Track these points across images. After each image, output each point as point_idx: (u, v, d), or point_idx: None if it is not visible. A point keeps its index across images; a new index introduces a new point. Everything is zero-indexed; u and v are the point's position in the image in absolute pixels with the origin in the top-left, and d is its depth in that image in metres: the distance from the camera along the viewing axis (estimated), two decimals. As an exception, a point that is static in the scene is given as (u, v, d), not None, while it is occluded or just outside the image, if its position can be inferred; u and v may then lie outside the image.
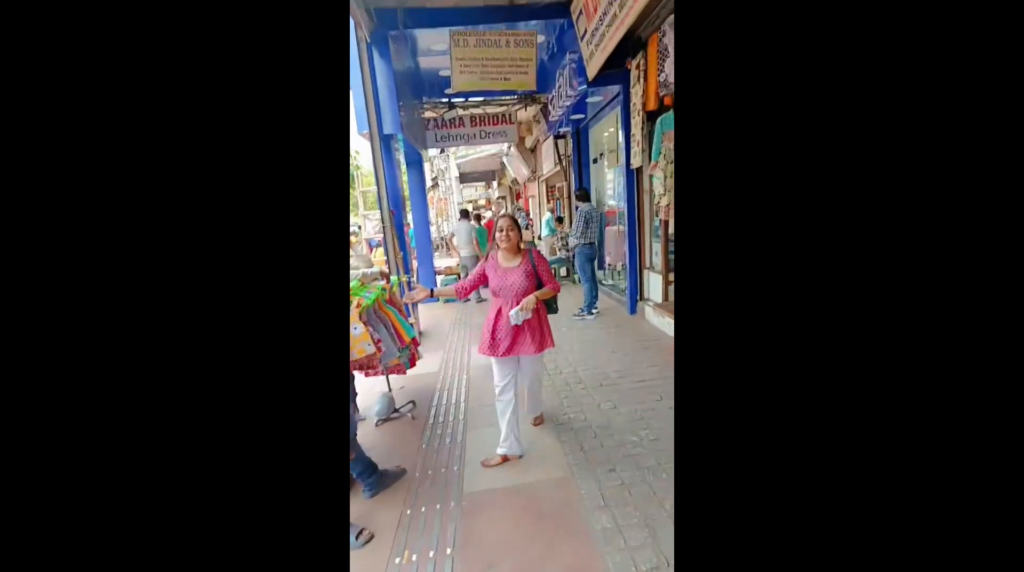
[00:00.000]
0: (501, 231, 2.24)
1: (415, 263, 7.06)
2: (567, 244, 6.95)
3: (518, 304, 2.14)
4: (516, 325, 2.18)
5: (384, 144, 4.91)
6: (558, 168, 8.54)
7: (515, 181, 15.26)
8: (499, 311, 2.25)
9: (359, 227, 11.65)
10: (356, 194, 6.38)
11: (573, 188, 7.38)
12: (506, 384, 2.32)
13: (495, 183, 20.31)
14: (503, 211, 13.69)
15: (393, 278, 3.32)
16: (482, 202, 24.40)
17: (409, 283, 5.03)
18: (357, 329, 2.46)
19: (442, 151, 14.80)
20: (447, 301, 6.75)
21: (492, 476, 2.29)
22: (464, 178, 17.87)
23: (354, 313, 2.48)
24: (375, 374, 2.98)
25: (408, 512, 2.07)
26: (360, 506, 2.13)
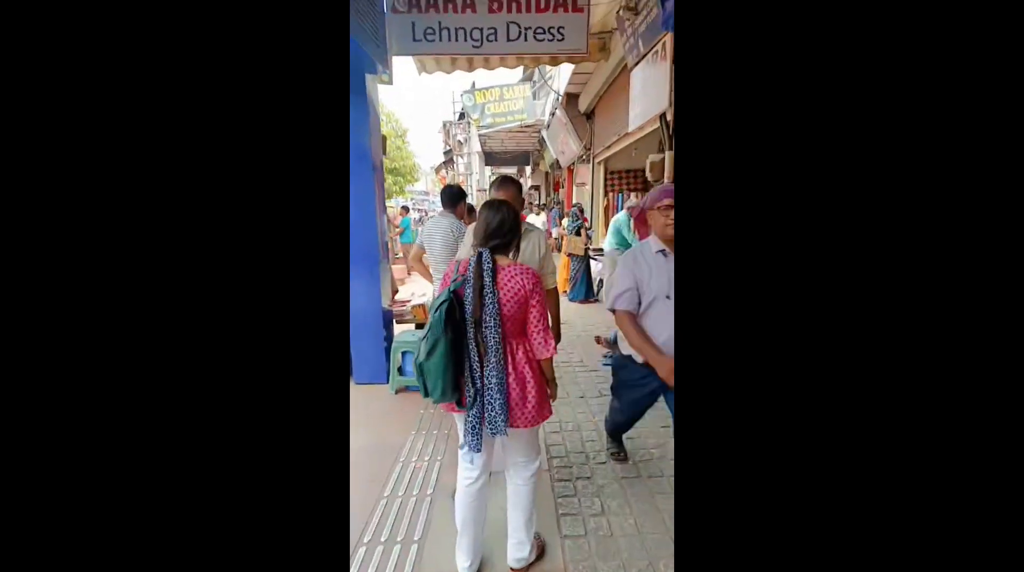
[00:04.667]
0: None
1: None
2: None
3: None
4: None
5: None
6: (654, 125, 4.71)
7: (555, 164, 11.36)
8: None
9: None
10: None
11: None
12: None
13: (528, 169, 16.40)
14: (537, 202, 9.69)
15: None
16: (512, 193, 20.53)
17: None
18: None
19: (461, 94, 10.69)
20: (405, 388, 3.05)
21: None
22: (490, 159, 14.06)
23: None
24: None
25: None
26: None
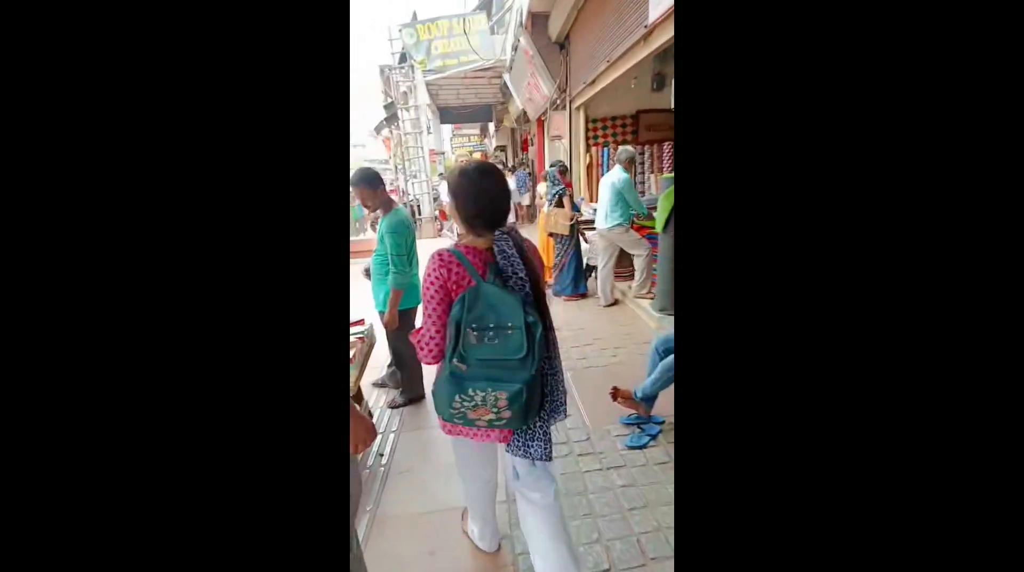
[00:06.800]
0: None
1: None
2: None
3: None
4: None
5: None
6: (669, 31, 3.18)
7: (523, 117, 9.57)
8: None
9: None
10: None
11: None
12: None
13: (492, 127, 14.42)
14: (508, 165, 8.11)
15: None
16: (477, 155, 18.43)
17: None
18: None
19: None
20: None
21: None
22: (446, 116, 12.07)
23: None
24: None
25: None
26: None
